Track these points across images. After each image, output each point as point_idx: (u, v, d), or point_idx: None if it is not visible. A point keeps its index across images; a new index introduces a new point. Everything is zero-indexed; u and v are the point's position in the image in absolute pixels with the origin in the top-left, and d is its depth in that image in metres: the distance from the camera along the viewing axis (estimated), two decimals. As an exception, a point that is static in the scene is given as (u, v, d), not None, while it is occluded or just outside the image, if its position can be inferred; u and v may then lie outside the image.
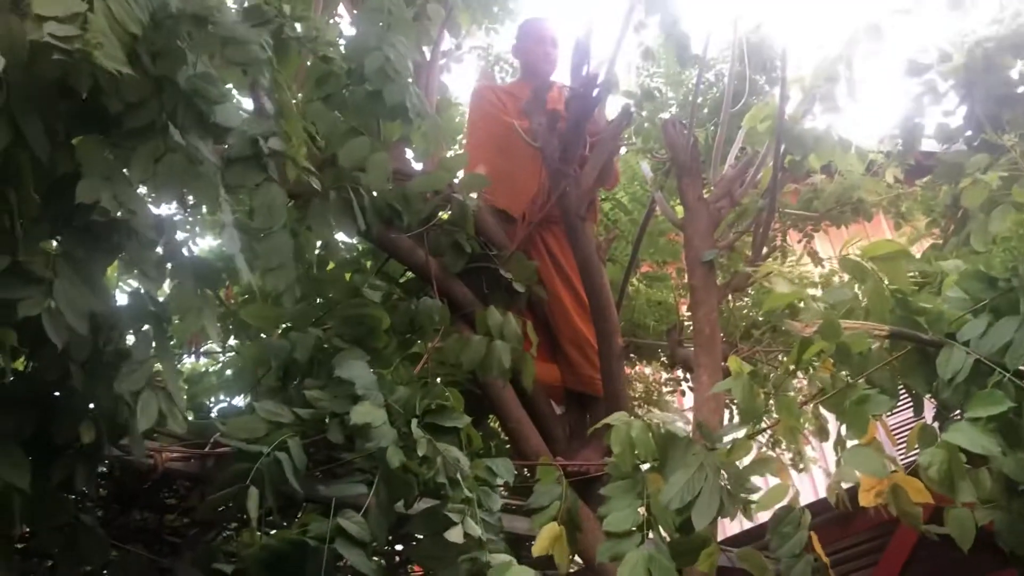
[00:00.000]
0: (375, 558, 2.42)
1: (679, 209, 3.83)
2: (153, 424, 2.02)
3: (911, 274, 2.73)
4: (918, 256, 2.81)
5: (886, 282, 2.63)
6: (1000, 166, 3.12)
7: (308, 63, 2.83)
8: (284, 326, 3.21)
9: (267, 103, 2.31)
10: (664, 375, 5.21)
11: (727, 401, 3.88)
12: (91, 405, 2.09)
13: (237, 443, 2.33)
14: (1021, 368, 2.30)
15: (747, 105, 4.15)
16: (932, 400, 2.58)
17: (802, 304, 3.47)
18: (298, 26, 2.51)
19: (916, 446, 2.44)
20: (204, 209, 3.99)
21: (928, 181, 3.92)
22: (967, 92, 3.52)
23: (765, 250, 3.62)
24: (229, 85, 2.40)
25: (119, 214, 1.90)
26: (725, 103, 4.19)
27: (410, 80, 2.65)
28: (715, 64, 5.37)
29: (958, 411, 2.41)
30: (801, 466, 2.58)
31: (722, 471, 2.27)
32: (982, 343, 2.34)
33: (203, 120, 2.04)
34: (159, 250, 2.10)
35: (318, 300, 3.34)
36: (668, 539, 2.29)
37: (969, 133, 3.59)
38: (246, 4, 2.42)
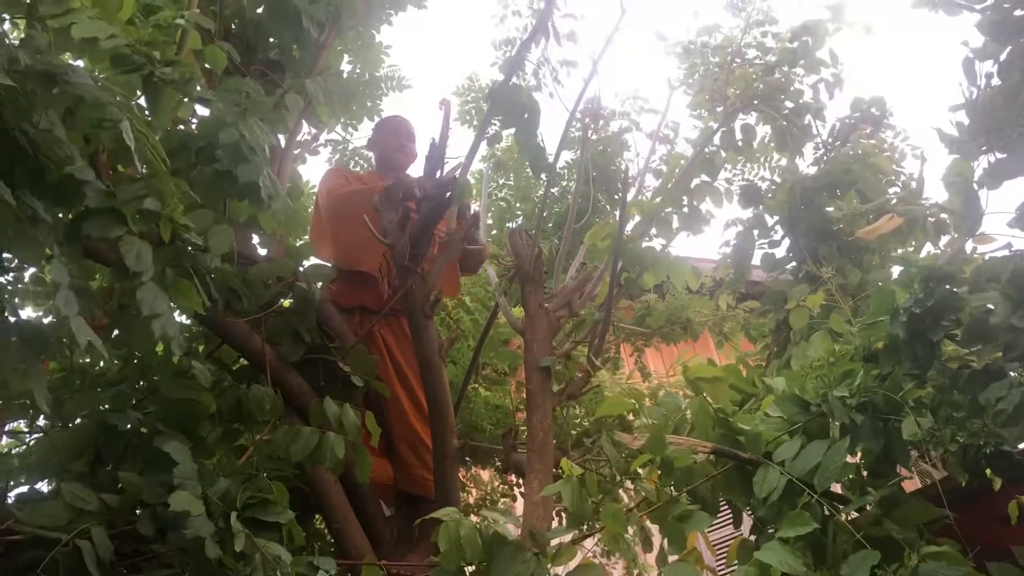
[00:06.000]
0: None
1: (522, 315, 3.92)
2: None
3: (735, 391, 2.88)
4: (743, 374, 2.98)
5: (710, 400, 2.77)
6: (818, 296, 3.40)
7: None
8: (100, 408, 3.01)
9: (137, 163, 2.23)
10: (498, 482, 5.21)
11: (557, 508, 3.91)
12: None
13: (33, 529, 2.13)
14: (830, 489, 2.46)
15: (589, 222, 4.36)
16: (751, 515, 2.70)
17: (632, 416, 3.59)
18: (168, 69, 2.47)
19: (735, 560, 2.53)
20: (27, 279, 3.78)
21: (752, 306, 4.21)
22: (790, 227, 3.83)
23: (599, 361, 3.74)
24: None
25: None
26: (569, 218, 4.38)
27: (264, 162, 2.63)
28: (563, 181, 5.63)
29: (773, 527, 2.53)
30: (637, 572, 2.62)
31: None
32: (795, 464, 2.48)
33: (42, 178, 1.94)
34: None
35: (140, 384, 3.16)
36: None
37: (793, 265, 3.89)
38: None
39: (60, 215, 2.31)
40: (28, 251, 1.99)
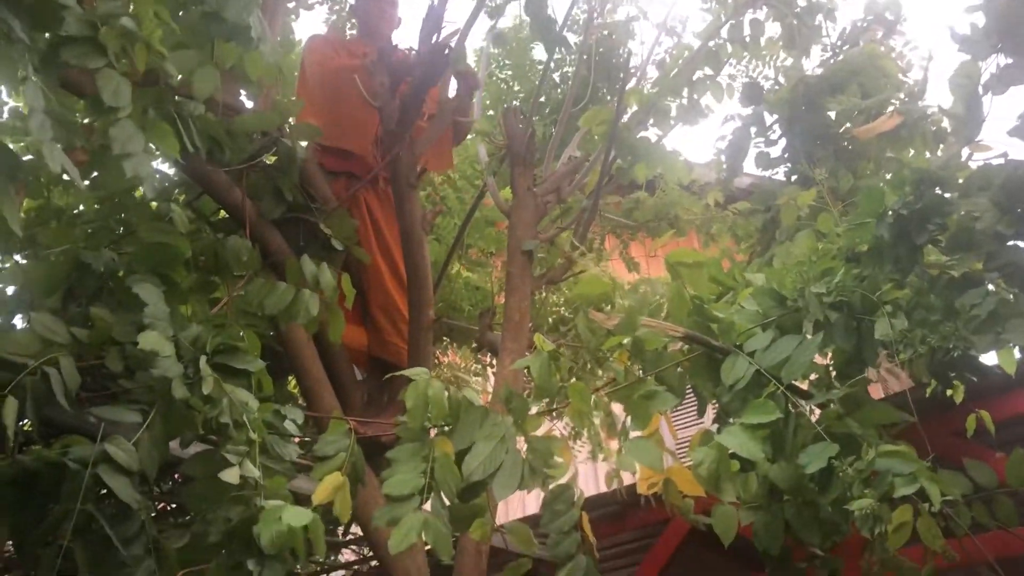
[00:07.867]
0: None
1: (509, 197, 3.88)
2: None
3: (715, 284, 2.88)
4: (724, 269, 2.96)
5: (688, 288, 2.76)
6: (809, 194, 3.36)
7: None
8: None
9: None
10: (472, 362, 5.26)
11: (526, 391, 3.96)
12: None
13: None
14: (795, 383, 2.48)
15: (587, 109, 4.28)
16: (716, 407, 2.72)
17: (610, 306, 3.60)
18: None
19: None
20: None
21: (742, 207, 4.17)
22: (789, 127, 3.75)
23: (582, 248, 3.73)
24: None
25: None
26: (566, 102, 4.30)
27: (255, 3, 2.52)
28: (563, 67, 5.50)
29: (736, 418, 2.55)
30: (602, 457, 2.65)
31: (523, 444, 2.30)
32: (765, 356, 2.49)
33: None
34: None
35: (119, 230, 3.12)
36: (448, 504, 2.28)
37: (788, 166, 3.83)
38: None
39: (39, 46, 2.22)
40: (1, 68, 1.92)
